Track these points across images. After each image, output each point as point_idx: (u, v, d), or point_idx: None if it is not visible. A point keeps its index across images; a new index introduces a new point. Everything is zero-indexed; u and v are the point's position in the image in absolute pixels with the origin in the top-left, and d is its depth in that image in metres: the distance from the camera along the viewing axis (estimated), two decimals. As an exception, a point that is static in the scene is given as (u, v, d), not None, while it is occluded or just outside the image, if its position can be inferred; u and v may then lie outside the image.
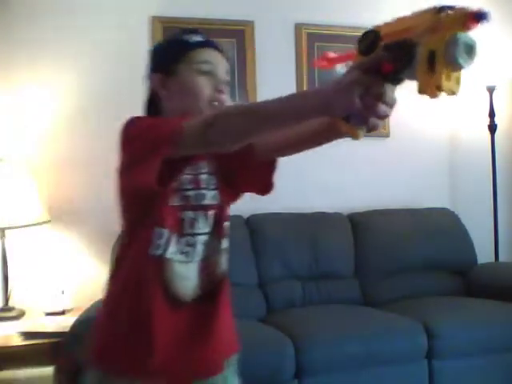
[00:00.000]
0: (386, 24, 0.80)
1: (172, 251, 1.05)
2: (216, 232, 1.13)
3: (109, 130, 2.86)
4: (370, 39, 0.79)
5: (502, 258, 3.32)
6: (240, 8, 3.10)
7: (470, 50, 0.69)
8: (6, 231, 2.53)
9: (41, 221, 2.54)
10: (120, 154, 1.04)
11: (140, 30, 2.95)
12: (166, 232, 1.05)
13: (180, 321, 1.06)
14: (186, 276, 1.08)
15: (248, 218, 2.90)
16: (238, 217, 2.87)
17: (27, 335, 2.19)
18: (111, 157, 3.26)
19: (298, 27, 3.19)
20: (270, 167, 1.13)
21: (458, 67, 0.70)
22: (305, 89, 3.09)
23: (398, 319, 2.48)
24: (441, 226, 3.09)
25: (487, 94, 3.28)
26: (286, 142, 1.09)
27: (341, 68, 0.88)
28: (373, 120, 0.77)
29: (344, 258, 2.92)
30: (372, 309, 2.69)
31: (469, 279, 3.01)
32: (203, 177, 1.11)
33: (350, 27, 3.26)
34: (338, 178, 3.20)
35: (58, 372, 2.17)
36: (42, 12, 2.80)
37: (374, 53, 0.78)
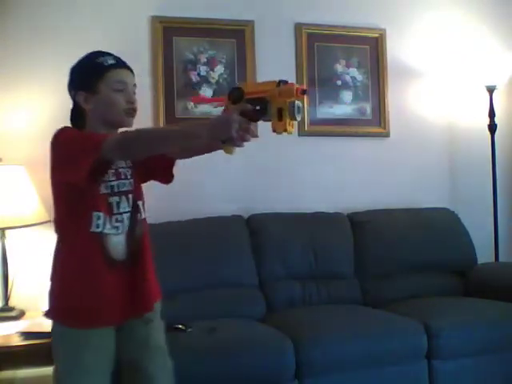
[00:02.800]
0: (246, 84, 1.30)
1: (108, 228, 1.43)
2: (134, 209, 1.50)
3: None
4: (238, 94, 1.26)
5: (502, 258, 3.32)
6: (240, 8, 3.10)
7: (299, 109, 1.21)
8: (6, 231, 2.53)
9: (41, 221, 2.54)
10: (51, 155, 1.43)
11: (140, 30, 2.95)
12: (101, 215, 1.41)
13: (117, 276, 1.43)
14: (118, 243, 1.45)
15: (248, 218, 2.90)
16: (238, 217, 2.87)
17: (27, 335, 2.19)
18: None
19: (298, 27, 3.19)
20: (170, 164, 1.57)
21: (294, 119, 1.21)
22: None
23: (398, 319, 2.48)
24: (441, 226, 3.09)
25: (487, 94, 3.28)
26: (178, 153, 1.55)
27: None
28: (240, 143, 1.20)
29: (344, 257, 2.92)
30: (372, 309, 2.69)
31: (469, 279, 3.01)
32: (122, 170, 1.49)
33: (349, 27, 3.27)
34: (338, 178, 3.20)
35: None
36: (41, 12, 2.80)
37: (241, 103, 1.24)
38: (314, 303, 2.76)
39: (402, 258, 2.95)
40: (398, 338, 2.36)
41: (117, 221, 1.45)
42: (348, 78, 3.27)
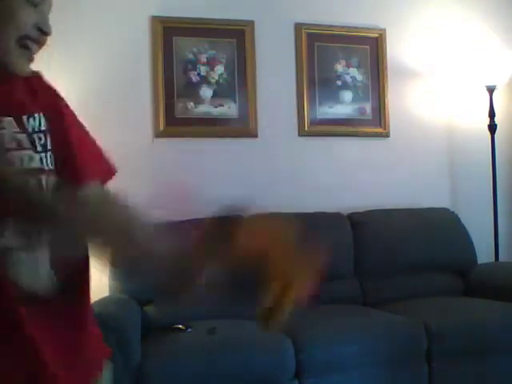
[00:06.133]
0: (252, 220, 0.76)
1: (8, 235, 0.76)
2: None
3: (109, 129, 2.89)
4: (228, 230, 0.74)
5: (502, 258, 3.32)
6: (240, 8, 3.10)
7: None
8: (6, 231, 2.53)
9: (41, 221, 2.54)
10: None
11: (140, 30, 2.95)
12: None
13: (46, 325, 0.80)
14: (35, 263, 0.81)
15: (248, 218, 2.89)
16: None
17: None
18: (112, 156, 3.25)
19: (298, 27, 3.19)
20: None
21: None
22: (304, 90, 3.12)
23: (398, 319, 2.48)
24: (441, 225, 3.09)
25: (487, 94, 3.28)
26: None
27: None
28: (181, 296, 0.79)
29: (344, 257, 2.92)
30: (372, 309, 2.69)
31: (469, 279, 3.01)
32: None
33: (349, 27, 3.27)
34: (338, 178, 3.20)
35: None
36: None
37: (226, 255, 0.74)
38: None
39: (402, 258, 2.95)
40: (398, 338, 2.36)
41: None
42: (348, 77, 3.27)
